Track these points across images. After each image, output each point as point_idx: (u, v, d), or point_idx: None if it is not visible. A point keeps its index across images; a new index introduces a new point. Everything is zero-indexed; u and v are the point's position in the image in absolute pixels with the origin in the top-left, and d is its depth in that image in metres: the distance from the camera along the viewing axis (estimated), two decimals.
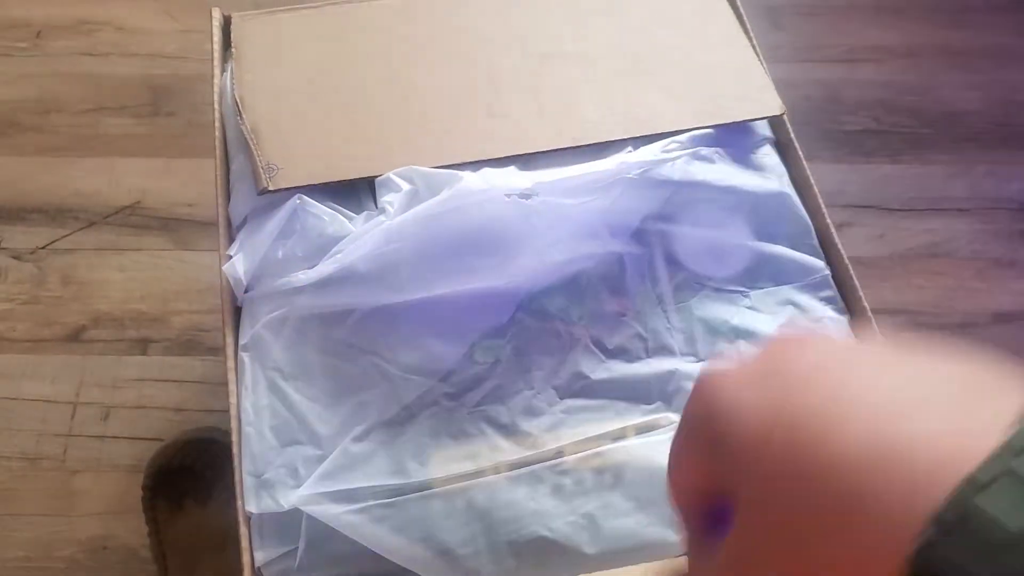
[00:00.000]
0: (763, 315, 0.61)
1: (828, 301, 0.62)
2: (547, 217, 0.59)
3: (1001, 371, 0.24)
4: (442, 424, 0.57)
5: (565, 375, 0.58)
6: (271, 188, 0.61)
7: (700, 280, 0.62)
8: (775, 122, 0.69)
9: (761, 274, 0.62)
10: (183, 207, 1.08)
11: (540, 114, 0.65)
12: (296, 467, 0.55)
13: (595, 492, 0.53)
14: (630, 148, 0.64)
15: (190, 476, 0.79)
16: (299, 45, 0.70)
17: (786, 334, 0.28)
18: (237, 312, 0.62)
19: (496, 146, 0.63)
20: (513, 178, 0.60)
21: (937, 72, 1.20)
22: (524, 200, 0.59)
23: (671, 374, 0.58)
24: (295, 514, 0.53)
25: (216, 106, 0.68)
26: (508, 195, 0.58)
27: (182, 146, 1.13)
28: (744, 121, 0.66)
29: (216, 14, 0.72)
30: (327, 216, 0.61)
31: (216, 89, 0.69)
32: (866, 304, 0.60)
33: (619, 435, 0.56)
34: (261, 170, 0.62)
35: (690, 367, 0.58)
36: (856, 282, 0.61)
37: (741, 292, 0.62)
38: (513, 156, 0.63)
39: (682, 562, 0.40)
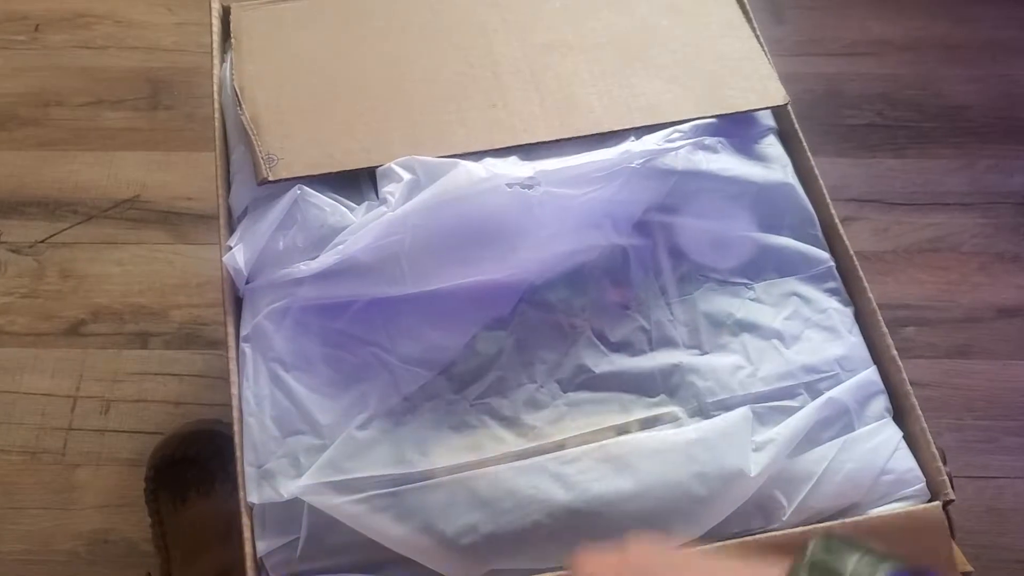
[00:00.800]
0: (767, 307, 0.61)
1: (832, 293, 0.62)
2: (549, 208, 0.59)
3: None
4: (444, 416, 0.57)
5: (568, 368, 0.58)
6: (271, 179, 0.61)
7: (704, 272, 0.61)
8: (779, 112, 0.68)
9: (765, 265, 0.62)
10: (182, 200, 1.07)
11: (542, 104, 0.65)
12: (297, 457, 0.55)
13: (599, 483, 0.53)
14: (633, 138, 0.63)
15: (193, 468, 0.79)
16: (298, 35, 0.69)
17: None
18: (238, 303, 0.62)
19: (497, 136, 0.63)
20: (515, 168, 0.60)
21: (939, 66, 1.20)
22: (526, 190, 0.58)
23: (675, 367, 0.58)
24: (296, 504, 0.53)
25: (216, 97, 0.68)
26: (510, 185, 0.58)
27: (181, 139, 1.12)
28: (748, 111, 0.66)
29: (215, 5, 0.71)
30: (328, 207, 0.61)
31: (215, 80, 0.69)
32: (871, 295, 0.60)
33: (623, 429, 0.56)
34: (261, 160, 0.61)
35: (694, 360, 0.58)
36: (861, 273, 0.61)
37: (745, 284, 0.61)
38: (514, 147, 0.63)
39: None
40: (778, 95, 0.66)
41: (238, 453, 0.57)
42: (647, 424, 0.56)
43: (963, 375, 0.97)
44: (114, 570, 0.86)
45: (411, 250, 0.57)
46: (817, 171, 0.65)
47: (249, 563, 0.53)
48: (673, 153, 0.61)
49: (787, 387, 0.58)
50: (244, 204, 0.63)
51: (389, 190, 0.60)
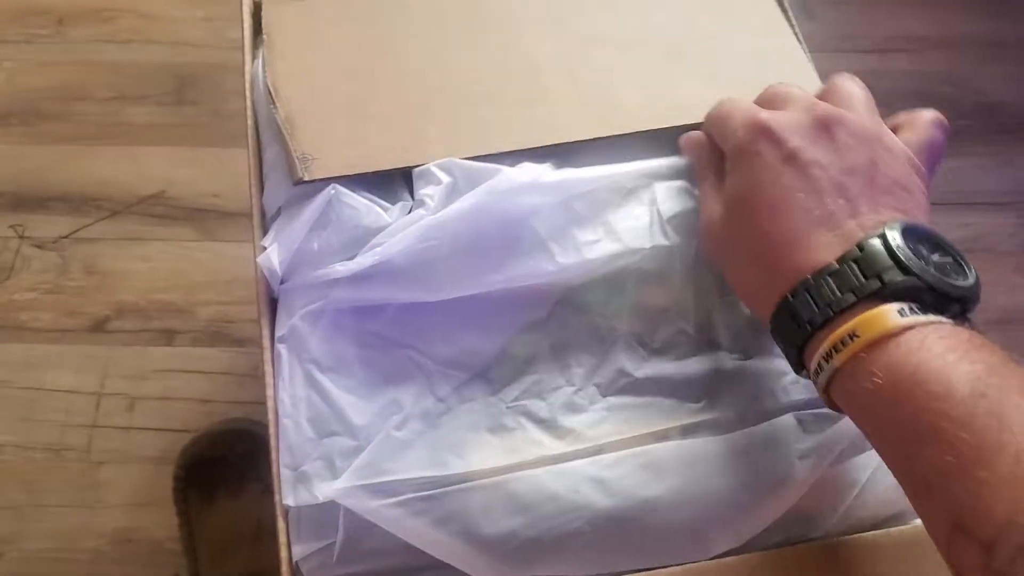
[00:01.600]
0: None
1: None
2: (591, 211, 0.58)
3: None
4: (480, 418, 0.56)
5: (607, 372, 0.57)
6: (307, 179, 0.60)
7: None
8: None
9: None
10: (208, 197, 1.07)
11: (580, 102, 0.64)
12: (333, 459, 0.55)
13: (641, 489, 0.52)
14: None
15: (223, 467, 0.79)
16: (332, 32, 0.68)
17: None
18: (272, 304, 0.61)
19: (536, 135, 0.62)
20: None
21: (973, 62, 1.18)
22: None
23: (717, 372, 0.57)
24: (332, 507, 0.52)
25: (247, 94, 0.67)
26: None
27: (207, 135, 1.12)
28: None
29: (246, 0, 0.70)
30: (363, 207, 0.60)
31: (247, 77, 0.68)
32: None
33: (664, 435, 0.55)
34: (296, 160, 0.61)
35: (737, 365, 0.57)
36: None
37: None
38: (552, 146, 0.62)
39: None
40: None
41: (273, 455, 0.56)
42: (688, 430, 0.55)
43: None
44: (139, 569, 0.86)
45: (449, 256, 0.56)
46: None
47: (284, 567, 0.52)
48: None
49: None
50: (278, 204, 0.62)
51: (427, 192, 0.59)
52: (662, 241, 0.58)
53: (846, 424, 0.54)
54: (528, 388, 0.57)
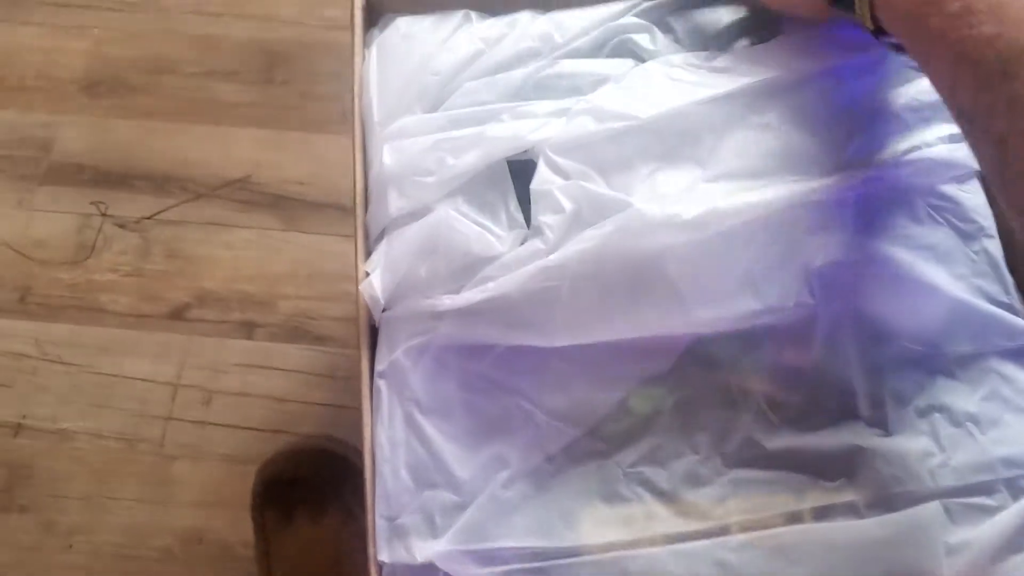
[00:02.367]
0: (961, 384, 0.53)
1: None
2: (728, 254, 0.52)
3: None
4: (593, 483, 0.52)
5: (735, 440, 0.52)
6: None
7: (892, 335, 0.54)
8: None
9: (959, 333, 0.55)
10: (294, 185, 1.03)
11: None
12: (433, 514, 0.51)
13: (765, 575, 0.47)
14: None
15: (303, 489, 0.75)
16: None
17: None
18: (372, 332, 0.57)
19: None
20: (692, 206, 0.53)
21: None
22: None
23: (856, 449, 0.51)
24: (430, 569, 0.49)
25: (356, 102, 0.63)
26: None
27: (296, 118, 1.08)
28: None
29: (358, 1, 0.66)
30: (473, 233, 0.55)
31: (356, 79, 0.63)
32: None
33: (795, 516, 0.50)
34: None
35: (878, 442, 0.51)
36: None
37: (937, 355, 0.54)
38: None
39: None
40: None
41: (368, 500, 0.52)
42: (822, 513, 0.50)
43: None
44: (209, 572, 0.84)
45: (569, 301, 0.51)
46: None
47: None
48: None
49: (984, 482, 0.51)
50: (383, 224, 0.58)
51: (547, 221, 0.54)
52: (807, 299, 0.53)
53: (1005, 519, 0.49)
54: (647, 453, 0.52)
